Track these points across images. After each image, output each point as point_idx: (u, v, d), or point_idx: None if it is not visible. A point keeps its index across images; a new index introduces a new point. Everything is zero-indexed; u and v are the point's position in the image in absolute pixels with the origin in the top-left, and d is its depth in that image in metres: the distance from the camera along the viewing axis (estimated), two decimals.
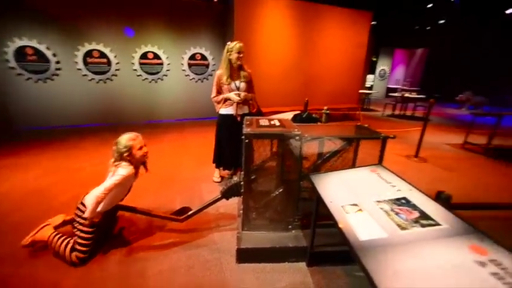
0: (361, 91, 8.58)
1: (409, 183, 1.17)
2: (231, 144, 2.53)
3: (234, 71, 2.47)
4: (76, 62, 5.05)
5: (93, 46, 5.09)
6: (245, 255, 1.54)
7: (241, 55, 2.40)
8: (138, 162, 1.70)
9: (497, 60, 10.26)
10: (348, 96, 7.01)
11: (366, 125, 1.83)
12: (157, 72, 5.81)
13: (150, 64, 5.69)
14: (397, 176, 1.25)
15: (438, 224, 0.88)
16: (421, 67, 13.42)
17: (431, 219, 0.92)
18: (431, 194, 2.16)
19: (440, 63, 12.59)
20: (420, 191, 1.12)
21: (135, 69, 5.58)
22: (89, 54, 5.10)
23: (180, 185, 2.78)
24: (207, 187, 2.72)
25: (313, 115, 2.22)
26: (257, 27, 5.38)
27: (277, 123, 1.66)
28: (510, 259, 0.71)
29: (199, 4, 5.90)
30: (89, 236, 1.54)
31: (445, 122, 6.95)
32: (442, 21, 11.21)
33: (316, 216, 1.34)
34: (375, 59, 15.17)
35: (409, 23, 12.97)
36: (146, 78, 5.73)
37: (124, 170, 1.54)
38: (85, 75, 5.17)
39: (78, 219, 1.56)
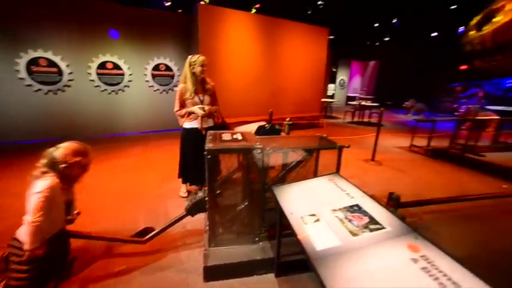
0: (323, 100, 9.15)
1: (362, 190, 1.28)
2: (196, 159, 2.49)
3: (198, 84, 2.46)
4: (18, 71, 4.53)
5: (40, 54, 4.64)
6: (213, 273, 1.52)
7: (204, 68, 2.41)
8: (70, 179, 1.47)
9: (430, 72, 11.84)
10: (312, 105, 7.41)
11: (325, 135, 1.96)
12: (118, 83, 5.49)
13: (110, 74, 5.36)
14: (351, 183, 1.37)
15: (383, 228, 0.99)
16: (374, 77, 14.81)
17: (378, 223, 1.02)
18: (386, 195, 2.40)
19: (389, 74, 14.06)
20: (370, 196, 1.24)
21: (92, 80, 5.20)
22: (33, 62, 4.62)
23: (144, 203, 2.63)
24: (173, 203, 2.62)
25: (277, 126, 2.31)
26: (222, 38, 5.46)
27: (240, 137, 1.70)
28: (436, 253, 0.82)
29: (163, 14, 5.80)
30: (26, 275, 1.29)
31: (395, 127, 7.74)
32: (387, 38, 12.65)
33: (281, 226, 1.38)
34: (334, 70, 16.36)
35: (361, 38, 14.40)
36: (105, 90, 5.37)
37: (43, 182, 1.29)
38: (29, 85, 4.65)
39: (13, 257, 1.32)
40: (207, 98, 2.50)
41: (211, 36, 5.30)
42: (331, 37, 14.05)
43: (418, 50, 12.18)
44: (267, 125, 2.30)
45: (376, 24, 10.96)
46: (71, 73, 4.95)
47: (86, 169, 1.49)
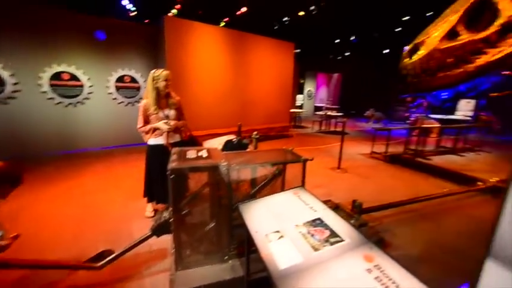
0: (292, 110, 9.50)
1: (324, 203, 1.35)
2: (163, 176, 2.39)
3: (162, 99, 2.41)
4: None
5: None
6: None
7: (169, 82, 2.37)
8: None
9: (385, 85, 13.05)
10: (281, 115, 7.65)
11: (291, 148, 2.03)
12: (76, 95, 5.10)
13: (66, 86, 4.96)
14: (314, 197, 1.43)
15: (343, 240, 1.05)
16: (338, 88, 15.87)
17: (338, 236, 1.08)
18: (350, 202, 2.54)
19: (351, 85, 15.21)
20: (336, 205, 1.30)
21: (45, 91, 4.75)
22: None
23: (105, 226, 2.43)
24: (138, 224, 2.46)
25: (244, 141, 2.33)
26: (190, 51, 5.43)
27: (205, 154, 1.68)
28: (388, 261, 0.89)
29: (128, 24, 5.59)
30: None
31: (358, 134, 8.31)
32: (347, 53, 13.78)
33: (249, 244, 1.38)
34: (302, 81, 17.17)
35: (325, 52, 15.44)
36: (61, 102, 4.94)
37: None
38: None
39: None
40: (172, 113, 2.45)
41: (179, 48, 5.25)
42: (297, 51, 14.85)
43: (374, 64, 13.45)
44: (234, 140, 2.31)
45: (337, 41, 11.87)
46: (17, 83, 4.47)
47: None
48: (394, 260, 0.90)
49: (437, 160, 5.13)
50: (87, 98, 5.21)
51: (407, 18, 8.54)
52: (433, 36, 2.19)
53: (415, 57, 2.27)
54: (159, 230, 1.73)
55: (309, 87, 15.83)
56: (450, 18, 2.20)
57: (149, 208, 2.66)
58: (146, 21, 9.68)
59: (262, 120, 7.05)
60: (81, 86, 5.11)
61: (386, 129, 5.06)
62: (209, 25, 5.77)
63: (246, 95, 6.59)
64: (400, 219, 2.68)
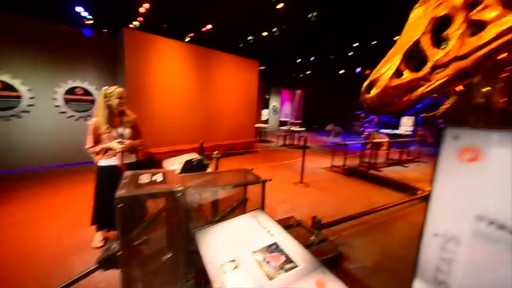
0: (257, 125, 9.70)
1: (281, 226, 1.36)
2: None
3: (115, 117, 2.25)
4: None
5: None
6: None
7: (122, 100, 2.25)
8: None
9: (342, 101, 14.27)
10: (246, 131, 7.74)
11: (251, 168, 2.05)
12: (12, 108, 4.49)
13: None
14: (272, 219, 1.44)
15: (297, 266, 1.06)
16: (301, 104, 16.77)
17: (293, 261, 1.09)
18: (311, 217, 2.62)
19: (313, 101, 16.24)
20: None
21: None
22: None
23: (43, 262, 2.09)
24: (83, 257, 2.18)
25: (204, 161, 2.28)
26: (152, 65, 5.25)
27: (160, 178, 1.59)
28: (337, 284, 0.93)
29: (82, 33, 5.20)
30: None
31: (320, 148, 8.80)
32: (308, 72, 14.83)
33: (206, 275, 1.32)
34: (267, 97, 17.77)
35: (288, 70, 16.35)
36: None
37: None
38: None
39: None
40: (127, 132, 2.30)
41: (140, 62, 5.04)
42: (262, 68, 15.45)
43: (331, 82, 14.67)
44: (194, 160, 2.24)
45: (299, 60, 12.72)
46: None
47: None
48: (344, 285, 0.94)
49: (387, 171, 5.67)
50: (26, 111, 4.62)
51: (356, 44, 9.60)
52: (385, 75, 2.59)
53: (373, 93, 2.63)
54: (106, 262, 1.55)
55: (274, 102, 16.43)
56: (394, 59, 2.63)
57: (98, 237, 2.38)
58: (104, 30, 9.17)
59: (228, 135, 7.04)
60: (18, 97, 4.53)
61: (343, 144, 5.46)
62: (172, 40, 5.70)
63: (210, 110, 6.54)
64: (356, 231, 2.85)
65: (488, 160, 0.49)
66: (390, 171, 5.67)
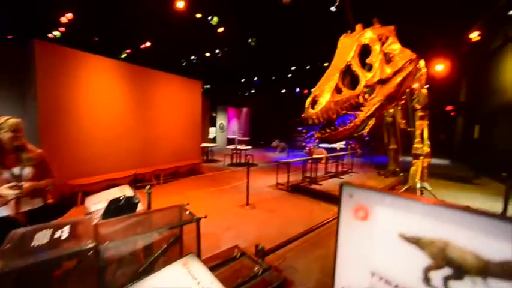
0: (203, 145, 9.43)
1: (212, 275, 1.25)
2: None
3: (8, 154, 1.82)
4: None
5: None
6: None
7: (18, 134, 1.84)
8: None
9: (286, 118, 15.36)
10: (191, 151, 7.41)
11: (187, 204, 1.89)
12: None
13: None
14: (204, 266, 1.32)
15: None
16: (247, 121, 17.21)
17: None
18: (259, 241, 2.56)
19: (259, 119, 16.89)
20: (219, 282, 1.21)
21: None
22: None
23: None
24: None
25: (134, 198, 2.01)
26: (76, 84, 4.58)
27: (66, 233, 1.30)
28: None
29: None
30: None
31: (266, 165, 9.04)
32: (253, 91, 15.51)
33: None
34: (214, 115, 17.68)
35: (234, 88, 16.76)
36: None
37: None
38: None
39: None
40: (27, 172, 1.87)
41: (60, 81, 4.34)
42: (208, 86, 15.42)
43: (275, 100, 15.64)
44: (121, 198, 1.95)
45: (243, 80, 13.21)
46: None
47: None
48: None
49: (326, 184, 6.16)
50: None
51: (294, 68, 10.58)
52: (326, 90, 2.80)
53: (317, 108, 2.80)
54: None
55: (221, 120, 16.42)
56: (333, 77, 2.90)
57: None
58: (9, 37, 7.72)
59: (171, 158, 6.59)
60: None
61: (286, 162, 5.73)
62: (102, 57, 5.14)
63: (151, 132, 6.05)
64: (300, 251, 2.92)
65: (374, 219, 0.52)
66: (329, 184, 6.17)
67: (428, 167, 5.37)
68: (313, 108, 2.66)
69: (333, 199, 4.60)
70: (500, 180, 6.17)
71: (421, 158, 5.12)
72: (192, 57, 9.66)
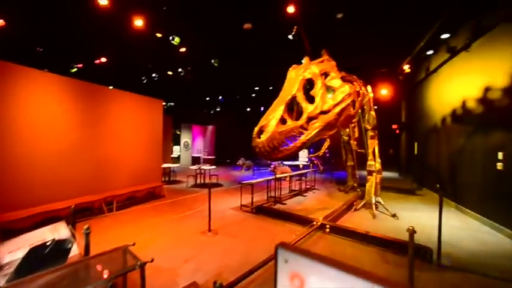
0: (165, 165, 8.92)
1: None
2: None
3: None
4: None
5: None
6: None
7: None
8: None
9: (249, 136, 15.55)
10: (151, 174, 6.91)
11: (132, 244, 1.68)
12: None
13: None
14: None
15: None
16: (213, 139, 16.95)
17: None
18: (221, 272, 2.38)
19: (224, 137, 16.77)
20: None
21: None
22: None
23: None
24: None
25: (67, 240, 1.71)
26: (5, 102, 3.97)
27: None
28: None
29: None
30: None
31: (231, 185, 8.85)
32: (218, 109, 15.49)
33: None
34: (179, 133, 17.07)
35: (199, 106, 16.52)
36: None
37: None
38: None
39: None
40: None
41: None
42: (171, 104, 14.94)
43: (240, 119, 15.81)
44: (49, 243, 1.64)
45: (208, 98, 13.13)
46: None
47: None
48: None
49: (290, 203, 6.23)
50: None
51: (257, 88, 10.92)
52: (272, 122, 2.93)
53: (263, 137, 2.90)
54: None
55: (185, 138, 15.88)
56: (278, 109, 3.06)
57: None
58: None
59: (126, 182, 6.03)
60: None
61: (249, 183, 5.67)
62: (43, 71, 4.62)
63: (104, 155, 5.49)
64: (263, 281, 2.79)
65: None
66: (293, 203, 6.27)
67: (380, 182, 5.84)
68: (259, 137, 2.79)
69: (297, 219, 4.64)
70: (436, 190, 6.99)
71: (374, 174, 5.56)
72: (154, 75, 9.33)
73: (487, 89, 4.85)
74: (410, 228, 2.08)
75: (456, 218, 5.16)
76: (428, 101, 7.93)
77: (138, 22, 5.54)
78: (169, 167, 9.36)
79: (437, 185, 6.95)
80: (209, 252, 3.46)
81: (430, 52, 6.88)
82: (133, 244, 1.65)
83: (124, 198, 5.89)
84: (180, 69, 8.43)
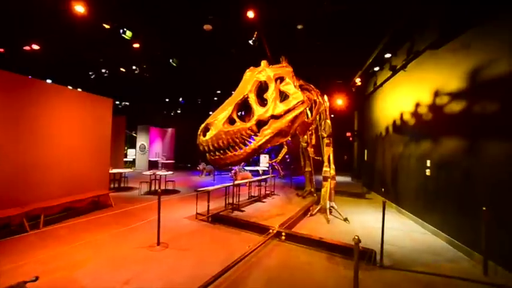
0: (115, 170, 8.09)
1: None
2: None
3: None
4: None
5: None
6: None
7: None
8: None
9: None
10: (96, 180, 6.16)
11: (34, 279, 1.34)
12: None
13: None
14: None
15: None
16: (173, 143, 16.09)
17: None
18: None
19: (185, 140, 16.04)
20: None
21: None
22: None
23: None
24: None
25: None
26: None
27: None
28: None
29: None
30: None
31: (189, 191, 8.40)
32: (179, 111, 14.80)
33: None
34: (135, 135, 15.77)
35: (159, 108, 15.55)
36: None
37: None
38: None
39: None
40: None
41: None
42: (126, 103, 13.75)
43: (203, 122, 15.33)
44: None
45: (167, 100, 12.43)
46: None
47: None
48: None
49: (249, 209, 6.14)
50: None
51: (219, 92, 10.72)
52: (219, 120, 2.77)
53: (208, 135, 2.72)
54: None
55: (142, 141, 14.76)
56: (228, 108, 2.92)
57: None
58: None
59: (62, 191, 5.24)
60: None
61: (205, 190, 5.42)
62: None
63: (29, 158, 4.67)
64: None
65: None
66: (252, 209, 6.19)
67: (335, 187, 6.14)
68: (204, 135, 2.63)
69: (254, 227, 4.55)
70: (381, 194, 7.68)
71: (329, 180, 5.82)
72: (104, 71, 8.41)
73: (418, 105, 5.51)
74: (356, 237, 2.15)
75: (397, 219, 5.69)
76: (376, 112, 8.75)
77: (79, 8, 4.87)
78: (120, 173, 8.51)
79: (382, 189, 7.64)
80: (155, 269, 3.13)
81: (376, 68, 7.59)
82: (36, 279, 1.32)
83: (57, 210, 5.09)
84: (134, 67, 7.77)
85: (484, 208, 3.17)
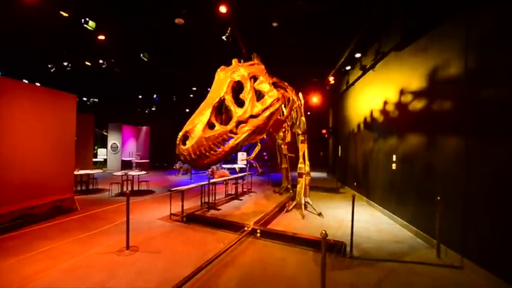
0: (81, 172, 7.58)
1: None
2: None
3: None
4: None
5: None
6: None
7: None
8: None
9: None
10: (58, 182, 5.68)
11: None
12: None
13: None
14: None
15: None
16: (147, 141, 15.43)
17: None
18: None
19: (161, 139, 15.46)
20: None
21: None
22: None
23: None
24: None
25: None
26: None
27: None
28: None
29: None
30: None
31: (163, 191, 8.11)
32: (153, 109, 14.20)
33: None
34: (106, 133, 14.90)
35: (132, 105, 14.78)
36: None
37: None
38: None
39: None
40: None
41: None
42: (95, 99, 12.90)
43: (179, 120, 14.87)
44: None
45: (140, 96, 11.87)
46: None
47: None
48: None
49: (225, 208, 6.09)
50: None
51: (195, 89, 10.45)
52: (198, 126, 2.67)
53: (189, 144, 2.60)
54: None
55: (114, 140, 13.95)
56: (205, 111, 2.83)
57: None
58: None
59: (14, 195, 4.76)
60: None
61: (179, 190, 5.27)
62: None
63: None
64: None
65: None
66: (228, 207, 6.14)
67: (309, 183, 6.29)
68: (184, 144, 2.52)
69: (229, 226, 4.52)
70: (354, 188, 8.04)
71: (304, 176, 5.94)
72: (66, 64, 7.76)
73: (386, 103, 5.82)
74: (323, 232, 2.22)
75: (367, 212, 5.99)
76: (349, 110, 9.10)
77: None
78: (88, 174, 7.97)
79: (355, 184, 7.99)
80: (122, 275, 2.97)
81: (348, 67, 7.88)
82: None
83: (9, 218, 4.63)
84: (101, 61, 7.26)
85: (438, 198, 3.45)
